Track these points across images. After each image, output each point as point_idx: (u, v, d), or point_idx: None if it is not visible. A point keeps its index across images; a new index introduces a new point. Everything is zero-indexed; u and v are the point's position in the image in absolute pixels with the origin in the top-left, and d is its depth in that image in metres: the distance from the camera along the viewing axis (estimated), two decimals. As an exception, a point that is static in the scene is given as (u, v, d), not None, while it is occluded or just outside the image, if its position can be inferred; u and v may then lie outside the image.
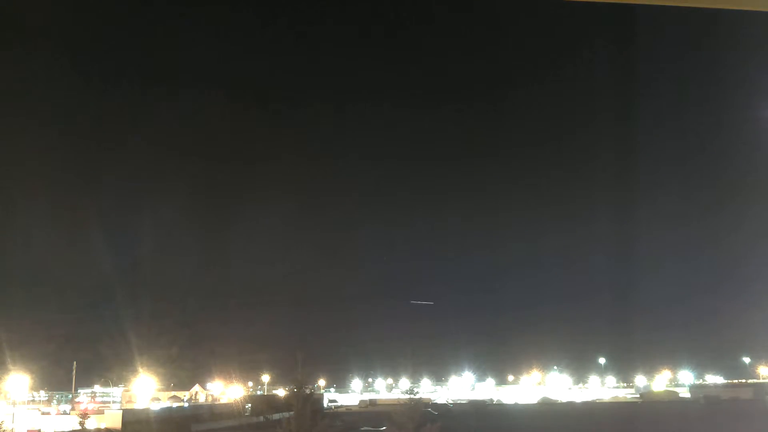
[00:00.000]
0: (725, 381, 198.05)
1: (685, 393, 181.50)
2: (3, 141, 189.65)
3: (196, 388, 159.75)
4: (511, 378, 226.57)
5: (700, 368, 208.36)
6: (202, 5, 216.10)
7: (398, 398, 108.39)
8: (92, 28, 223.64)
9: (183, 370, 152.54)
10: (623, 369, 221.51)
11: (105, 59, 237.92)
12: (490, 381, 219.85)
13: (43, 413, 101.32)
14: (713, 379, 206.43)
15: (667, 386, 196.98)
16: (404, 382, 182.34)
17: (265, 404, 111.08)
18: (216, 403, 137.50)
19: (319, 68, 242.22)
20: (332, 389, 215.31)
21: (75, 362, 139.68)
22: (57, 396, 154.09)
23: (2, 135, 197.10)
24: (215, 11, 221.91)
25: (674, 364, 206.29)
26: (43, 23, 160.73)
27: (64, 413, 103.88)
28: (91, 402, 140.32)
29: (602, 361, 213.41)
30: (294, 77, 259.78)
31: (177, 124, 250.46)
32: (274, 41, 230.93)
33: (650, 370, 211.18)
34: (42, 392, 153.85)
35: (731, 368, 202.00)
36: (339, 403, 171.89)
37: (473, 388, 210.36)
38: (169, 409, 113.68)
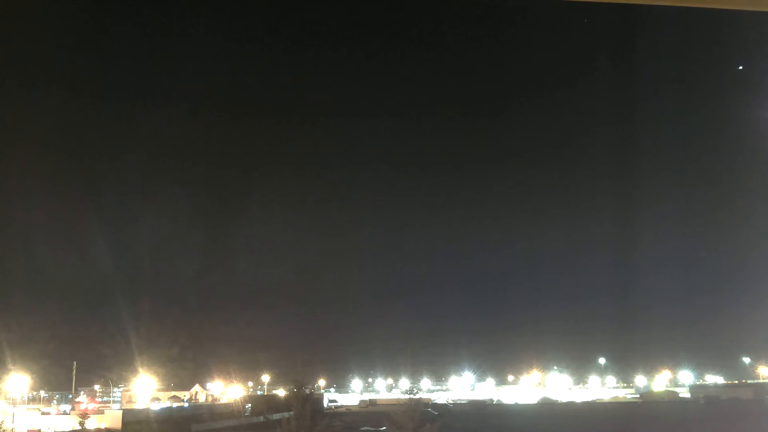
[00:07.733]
0: (725, 381, 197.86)
1: (685, 393, 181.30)
2: (3, 141, 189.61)
3: (196, 388, 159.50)
4: (511, 378, 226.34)
5: (700, 368, 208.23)
6: (203, 10, 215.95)
7: (398, 398, 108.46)
8: (93, 29, 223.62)
9: (183, 370, 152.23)
10: (623, 369, 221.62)
11: (106, 61, 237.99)
12: (490, 381, 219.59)
13: (43, 413, 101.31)
14: (713, 379, 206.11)
15: (667, 386, 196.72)
16: (404, 382, 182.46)
17: (265, 404, 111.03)
18: (216, 403, 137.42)
19: (322, 76, 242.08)
20: (332, 389, 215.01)
21: (75, 362, 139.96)
22: (57, 396, 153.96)
23: (2, 135, 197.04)
24: (217, 17, 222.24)
25: (674, 364, 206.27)
26: (44, 22, 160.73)
27: (64, 413, 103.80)
28: (91, 402, 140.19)
29: (602, 361, 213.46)
30: (295, 84, 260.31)
31: (179, 126, 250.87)
32: (275, 46, 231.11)
33: (650, 370, 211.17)
34: (42, 392, 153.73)
35: (731, 368, 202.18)
36: (339, 403, 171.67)
37: (473, 388, 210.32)
38: (169, 409, 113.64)
